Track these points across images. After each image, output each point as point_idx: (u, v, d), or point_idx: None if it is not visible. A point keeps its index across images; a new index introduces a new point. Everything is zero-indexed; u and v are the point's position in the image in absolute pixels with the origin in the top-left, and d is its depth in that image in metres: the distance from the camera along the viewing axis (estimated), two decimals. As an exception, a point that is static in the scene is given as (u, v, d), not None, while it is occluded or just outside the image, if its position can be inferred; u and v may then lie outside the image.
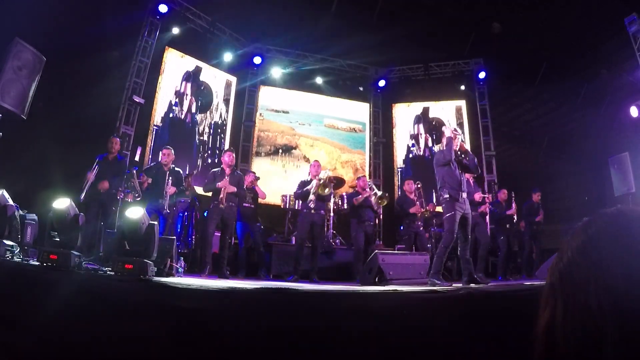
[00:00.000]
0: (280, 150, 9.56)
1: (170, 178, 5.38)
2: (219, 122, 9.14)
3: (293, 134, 9.76)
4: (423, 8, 8.92)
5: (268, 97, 9.84)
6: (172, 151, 5.70)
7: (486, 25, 9.00)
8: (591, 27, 8.51)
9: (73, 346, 2.35)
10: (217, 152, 8.89)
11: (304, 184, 5.82)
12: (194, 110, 8.68)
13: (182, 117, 8.48)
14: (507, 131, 12.06)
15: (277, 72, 9.65)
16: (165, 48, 8.24)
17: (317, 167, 5.86)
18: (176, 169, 5.66)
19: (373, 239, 6.47)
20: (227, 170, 5.46)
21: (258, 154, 9.47)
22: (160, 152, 5.84)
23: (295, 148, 9.67)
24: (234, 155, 5.73)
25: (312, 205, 5.58)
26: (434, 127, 10.01)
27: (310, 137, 9.83)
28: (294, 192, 6.04)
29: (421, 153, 10.10)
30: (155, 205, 5.32)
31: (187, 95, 8.56)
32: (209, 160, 8.75)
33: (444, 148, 4.63)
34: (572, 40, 9.04)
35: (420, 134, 10.20)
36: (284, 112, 9.88)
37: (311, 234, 5.65)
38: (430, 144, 9.99)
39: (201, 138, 8.76)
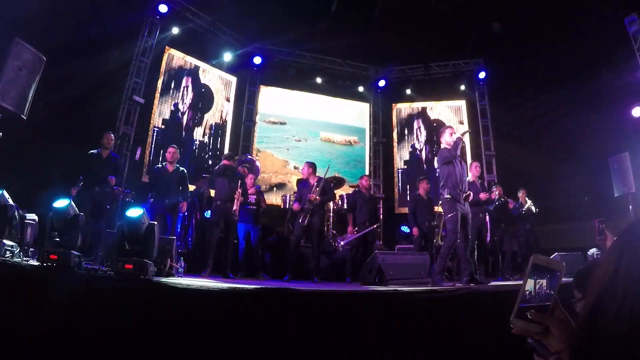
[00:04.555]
0: (275, 188, 9.55)
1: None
2: (220, 123, 9.13)
3: (285, 173, 9.72)
4: (423, 8, 8.91)
5: (267, 102, 9.82)
6: (178, 150, 5.76)
7: (486, 25, 8.99)
8: (591, 27, 8.50)
9: (73, 346, 2.35)
10: (218, 153, 8.89)
11: (300, 188, 5.91)
12: (195, 111, 8.65)
13: (183, 110, 8.43)
14: (507, 131, 12.04)
15: (277, 72, 9.65)
16: (165, 48, 8.24)
17: (307, 167, 5.87)
18: (180, 168, 5.70)
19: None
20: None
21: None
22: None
23: (288, 183, 9.66)
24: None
25: (307, 206, 5.57)
26: (433, 128, 10.02)
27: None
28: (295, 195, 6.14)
29: (420, 153, 10.11)
30: (161, 205, 5.34)
31: (188, 87, 8.52)
32: (210, 162, 8.73)
33: (450, 146, 4.63)
34: (572, 40, 9.03)
35: (420, 134, 10.20)
36: (281, 123, 9.86)
37: (309, 234, 5.65)
38: (430, 145, 10.00)
39: (202, 140, 8.75)
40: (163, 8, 7.70)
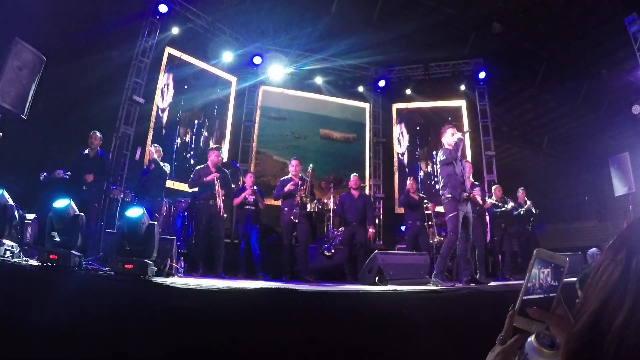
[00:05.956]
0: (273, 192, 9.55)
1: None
2: (202, 122, 8.88)
3: (284, 176, 9.64)
4: (423, 8, 8.92)
5: (267, 98, 9.80)
6: (160, 148, 5.87)
7: (486, 25, 8.99)
8: (591, 27, 8.51)
9: (73, 346, 2.35)
10: (200, 152, 8.67)
11: (283, 183, 5.71)
12: (175, 110, 8.44)
13: (163, 108, 8.22)
14: (507, 131, 12.07)
15: (277, 72, 9.64)
16: (165, 48, 8.22)
17: (296, 166, 5.77)
18: (162, 165, 5.65)
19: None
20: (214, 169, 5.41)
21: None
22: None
23: None
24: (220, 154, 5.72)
25: (293, 202, 5.48)
26: (417, 132, 10.10)
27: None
28: (273, 194, 5.89)
29: (402, 157, 10.15)
30: (140, 204, 5.33)
31: (168, 85, 8.38)
32: (192, 161, 8.51)
33: (450, 146, 4.62)
34: (572, 40, 9.04)
35: (402, 138, 10.24)
36: (281, 118, 9.83)
37: (296, 232, 5.61)
38: (412, 149, 10.05)
39: (183, 138, 8.59)
40: (163, 8, 7.69)
